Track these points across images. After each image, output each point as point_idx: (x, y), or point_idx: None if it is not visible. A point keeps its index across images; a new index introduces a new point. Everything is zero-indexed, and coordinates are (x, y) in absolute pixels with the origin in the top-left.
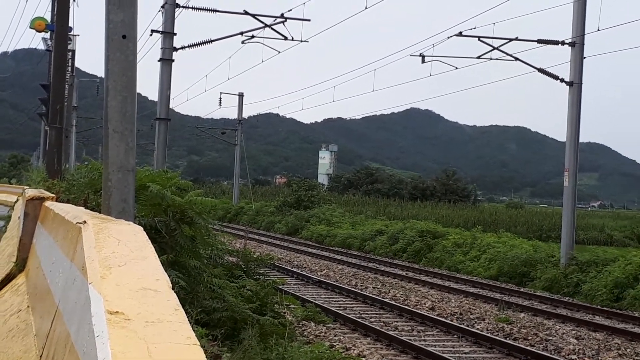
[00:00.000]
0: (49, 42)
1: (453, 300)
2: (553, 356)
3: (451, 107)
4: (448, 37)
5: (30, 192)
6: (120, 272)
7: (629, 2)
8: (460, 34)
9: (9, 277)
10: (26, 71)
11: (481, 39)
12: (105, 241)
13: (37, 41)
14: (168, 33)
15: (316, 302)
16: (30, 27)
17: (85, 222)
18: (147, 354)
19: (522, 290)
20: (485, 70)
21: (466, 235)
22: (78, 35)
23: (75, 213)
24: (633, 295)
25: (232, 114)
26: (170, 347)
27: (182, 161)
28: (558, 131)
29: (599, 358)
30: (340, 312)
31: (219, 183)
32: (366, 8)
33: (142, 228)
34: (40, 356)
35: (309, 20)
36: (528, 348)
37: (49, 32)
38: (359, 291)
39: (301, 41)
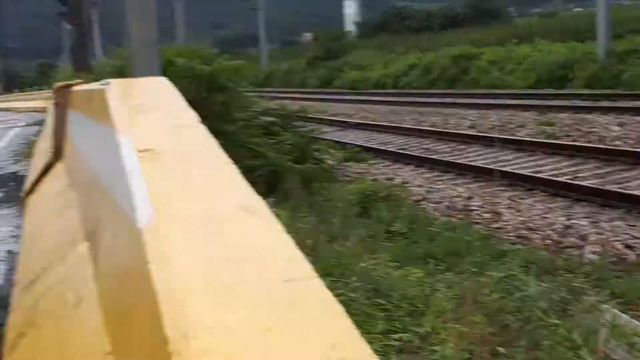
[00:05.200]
0: None
1: (493, 115)
2: (595, 145)
3: None
4: None
5: (59, 83)
6: (148, 117)
7: None
8: None
9: (49, 166)
10: None
11: None
12: (131, 93)
13: None
14: None
15: (356, 143)
16: None
17: (109, 82)
18: (182, 177)
19: (561, 92)
20: None
21: (501, 52)
22: None
23: (101, 84)
24: None
25: None
26: (207, 172)
27: (206, 37)
28: None
29: None
30: (381, 147)
31: (246, 52)
32: None
33: (168, 80)
34: (83, 220)
35: None
36: (570, 143)
37: None
38: (397, 125)
39: None
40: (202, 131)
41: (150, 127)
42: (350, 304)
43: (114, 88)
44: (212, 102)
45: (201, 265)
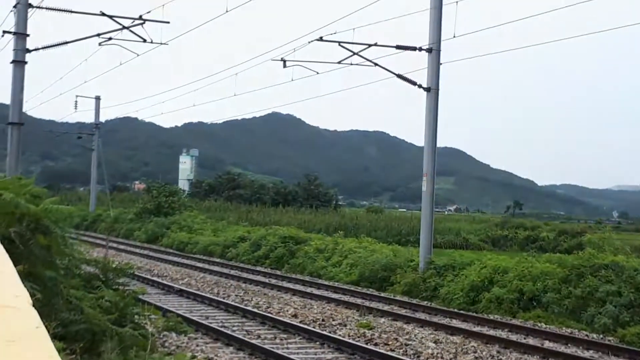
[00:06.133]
0: None
1: (315, 307)
2: None
3: (313, 112)
4: (309, 42)
5: None
6: None
7: (482, 10)
8: (320, 39)
9: None
10: None
11: (341, 44)
12: None
13: None
14: (21, 34)
15: (177, 311)
16: None
17: None
18: None
19: (382, 295)
20: (345, 75)
21: (328, 241)
22: None
23: None
24: (488, 298)
25: (89, 118)
26: None
27: (36, 167)
28: (416, 136)
29: None
30: (203, 321)
31: (75, 190)
32: (227, 11)
33: None
34: None
35: (168, 22)
36: (389, 353)
37: None
38: (221, 299)
39: (160, 44)
40: (35, 317)
41: None
42: None
43: None
44: (35, 244)
45: None
